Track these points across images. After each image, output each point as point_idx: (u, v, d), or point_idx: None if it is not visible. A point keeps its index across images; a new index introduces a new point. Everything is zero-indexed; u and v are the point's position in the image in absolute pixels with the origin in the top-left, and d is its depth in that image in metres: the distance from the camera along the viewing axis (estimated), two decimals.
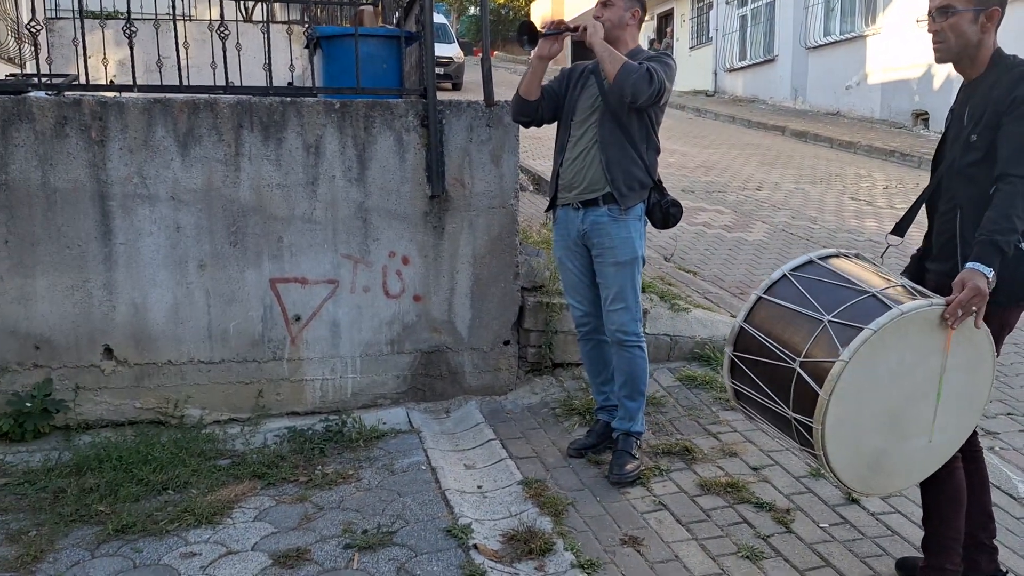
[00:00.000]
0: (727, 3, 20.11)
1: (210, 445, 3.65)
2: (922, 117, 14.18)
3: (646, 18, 21.01)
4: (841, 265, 2.51)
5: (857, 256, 2.62)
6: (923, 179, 11.08)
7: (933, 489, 2.51)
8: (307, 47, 4.36)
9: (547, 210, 3.58)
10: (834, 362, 2.22)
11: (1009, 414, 4.06)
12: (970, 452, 2.56)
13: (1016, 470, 3.52)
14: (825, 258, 2.55)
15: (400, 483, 3.34)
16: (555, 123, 3.47)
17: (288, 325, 3.95)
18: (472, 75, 20.87)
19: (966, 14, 2.41)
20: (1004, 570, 2.64)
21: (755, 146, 13.39)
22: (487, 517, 3.09)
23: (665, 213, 3.33)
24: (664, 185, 3.39)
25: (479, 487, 3.34)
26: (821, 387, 2.23)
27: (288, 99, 3.85)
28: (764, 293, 2.53)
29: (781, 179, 10.41)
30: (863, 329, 2.21)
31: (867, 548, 2.91)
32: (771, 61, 18.37)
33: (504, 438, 3.72)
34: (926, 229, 2.69)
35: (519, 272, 4.17)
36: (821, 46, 16.62)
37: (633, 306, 3.32)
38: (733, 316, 4.96)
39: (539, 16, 33.23)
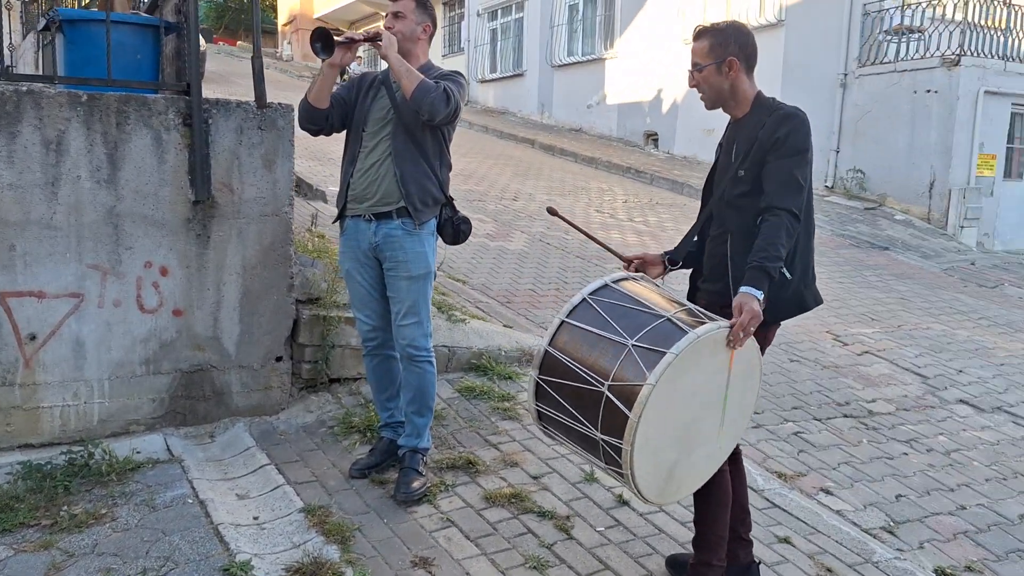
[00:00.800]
0: (478, 15, 20.70)
1: None
2: (652, 137, 15.55)
3: None
4: (633, 288, 2.64)
5: (643, 278, 2.77)
6: (655, 194, 12.16)
7: (704, 492, 2.72)
8: (42, 30, 3.82)
9: (335, 220, 3.44)
10: (642, 385, 2.32)
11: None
12: (733, 453, 2.81)
13: (754, 464, 3.93)
14: (617, 281, 2.67)
15: (164, 520, 3.03)
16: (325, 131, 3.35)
17: (21, 345, 3.44)
18: (215, 64, 19.68)
19: (711, 67, 2.69)
20: (757, 560, 2.93)
21: (508, 157, 13.90)
22: (267, 551, 2.88)
23: (456, 229, 3.33)
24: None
25: (255, 518, 3.12)
26: (631, 410, 2.32)
27: (24, 87, 3.35)
28: (566, 317, 2.60)
29: (535, 190, 10.90)
30: (666, 353, 2.33)
31: (640, 548, 3.10)
32: (520, 76, 19.19)
33: (279, 462, 3.50)
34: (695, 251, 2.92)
35: (294, 284, 3.96)
36: (565, 65, 17.65)
37: (425, 321, 3.28)
38: (507, 326, 5.10)
39: (287, 9, 32.09)
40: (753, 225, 2.59)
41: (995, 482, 4.12)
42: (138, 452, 3.54)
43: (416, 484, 3.26)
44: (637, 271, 2.87)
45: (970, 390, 5.33)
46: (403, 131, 3.19)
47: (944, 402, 5.10)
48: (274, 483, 3.34)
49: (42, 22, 3.78)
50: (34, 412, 3.52)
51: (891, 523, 3.62)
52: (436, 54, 23.54)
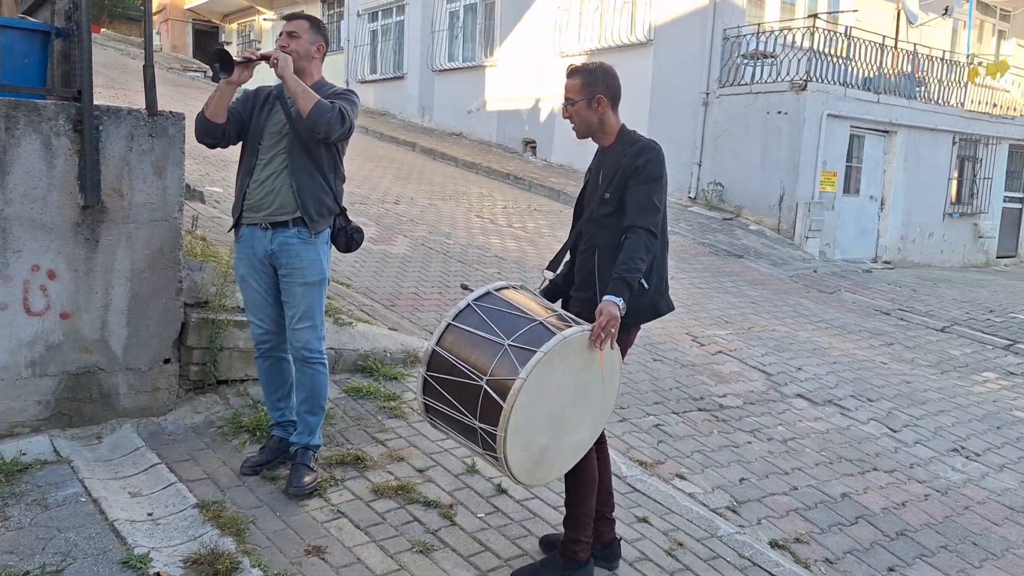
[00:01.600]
0: (358, 16, 20.66)
1: None
2: (531, 145, 16.05)
3: (274, 18, 20.60)
4: (512, 296, 2.96)
5: (522, 287, 3.09)
6: (533, 200, 12.64)
7: (573, 476, 3.07)
8: None
9: (230, 229, 3.58)
10: (514, 379, 2.64)
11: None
12: (599, 441, 3.17)
13: (619, 454, 4.34)
14: (499, 289, 2.98)
15: (58, 518, 3.11)
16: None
17: None
18: None
19: (582, 103, 3.06)
20: (619, 537, 3.31)
21: (389, 160, 14.03)
22: (164, 544, 3.02)
23: (349, 239, 3.55)
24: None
25: (150, 515, 3.23)
26: (504, 400, 2.63)
27: None
28: (453, 320, 2.88)
29: (416, 194, 11.12)
30: (536, 352, 2.66)
31: (516, 531, 3.42)
32: (401, 78, 19.31)
33: (170, 461, 3.62)
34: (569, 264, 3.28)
35: (182, 287, 4.06)
36: (446, 70, 17.91)
37: (319, 325, 3.48)
38: (392, 329, 5.33)
39: (157, 0, 30.78)
40: (618, 241, 2.97)
41: (823, 466, 4.70)
42: (24, 454, 3.56)
43: (308, 479, 3.46)
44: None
45: (807, 385, 5.98)
46: (299, 145, 3.38)
47: (784, 396, 5.71)
48: (166, 481, 3.46)
49: None
50: None
51: (735, 503, 4.10)
52: None
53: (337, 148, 3.49)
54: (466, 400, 2.79)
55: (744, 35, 12.23)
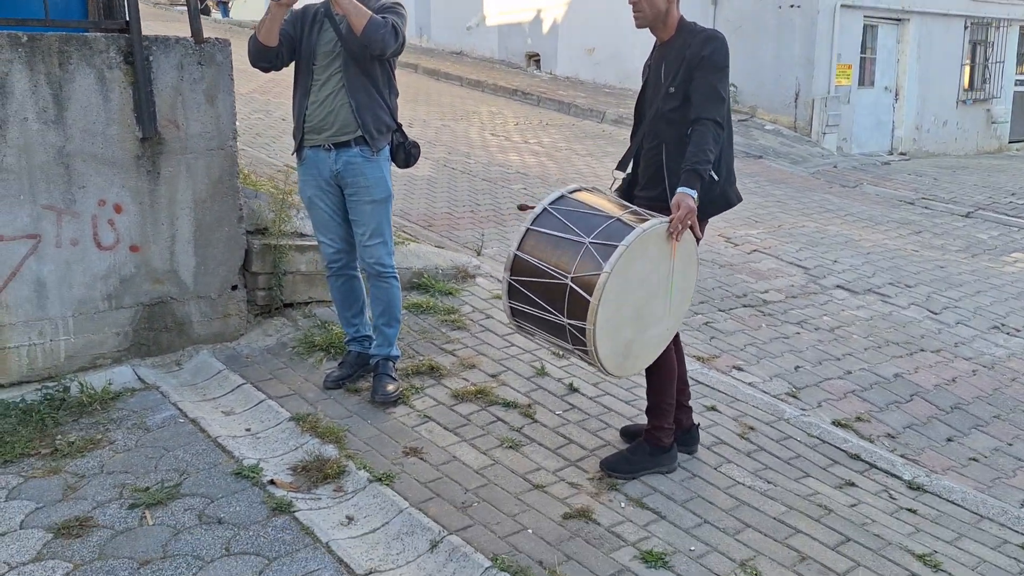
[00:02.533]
0: None
1: None
2: (534, 58, 15.80)
3: None
4: (585, 197, 3.01)
5: (594, 188, 3.14)
6: (544, 115, 12.53)
7: (654, 367, 3.17)
8: None
9: (294, 152, 3.61)
10: (599, 274, 2.71)
11: None
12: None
13: None
14: (572, 192, 3.03)
15: (162, 439, 3.25)
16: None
17: None
18: None
19: None
20: (697, 423, 3.45)
21: None
22: (270, 455, 3.17)
23: (407, 153, 3.59)
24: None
25: (248, 430, 3.37)
26: (591, 295, 2.72)
27: None
28: (531, 225, 2.94)
29: (427, 116, 11.02)
30: (618, 246, 2.73)
31: (595, 424, 3.56)
32: None
33: (254, 381, 3.74)
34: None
35: (243, 215, 4.12)
36: None
37: (389, 240, 3.56)
38: (439, 247, 5.40)
39: None
40: (684, 135, 2.99)
41: (872, 350, 4.83)
42: (111, 383, 3.68)
43: (391, 387, 3.59)
44: None
45: (845, 276, 6.07)
46: (353, 63, 3.38)
47: (824, 288, 5.81)
48: (256, 399, 3.59)
49: None
50: (1, 353, 3.59)
51: (793, 389, 4.24)
52: None
53: (390, 63, 3.50)
54: (553, 299, 2.87)
55: None
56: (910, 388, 4.39)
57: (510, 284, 2.99)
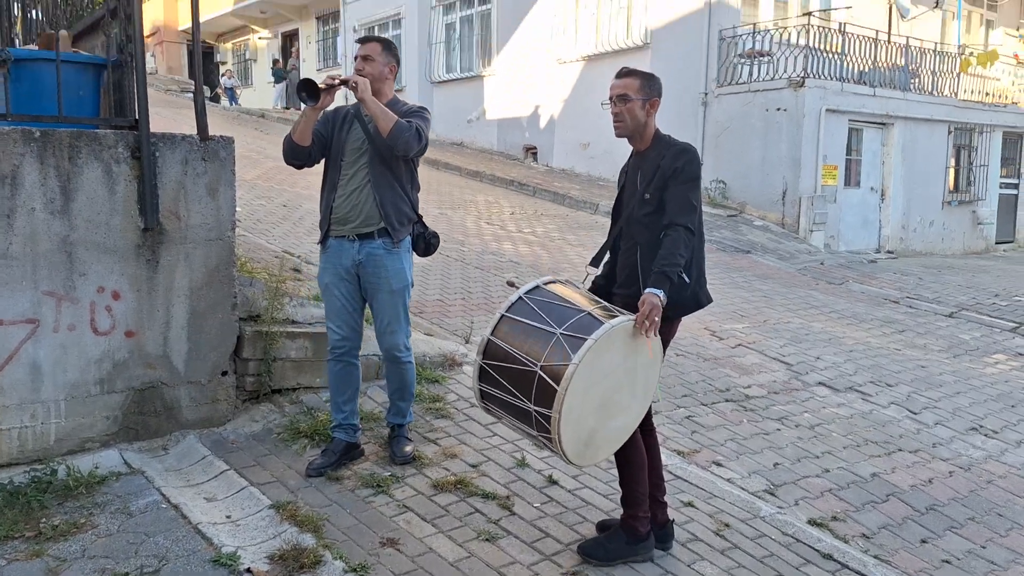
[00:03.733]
0: (354, 31, 20.88)
1: None
2: (532, 151, 16.28)
3: (270, 37, 21.02)
4: (559, 289, 3.17)
5: (568, 281, 3.29)
6: (539, 205, 12.85)
7: (624, 457, 3.26)
8: None
9: (320, 241, 3.83)
10: (567, 365, 2.84)
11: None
12: (648, 428, 3.37)
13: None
14: (547, 283, 3.19)
15: (144, 524, 3.29)
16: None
17: None
18: None
19: (637, 101, 3.24)
20: (672, 519, 3.50)
21: None
22: (248, 543, 3.21)
23: (427, 243, 3.82)
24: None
25: (228, 517, 3.42)
26: (559, 384, 2.84)
27: None
28: (506, 311, 3.09)
29: (426, 204, 11.27)
30: (587, 339, 2.87)
31: (572, 518, 3.61)
32: (399, 91, 19.49)
33: (238, 467, 3.80)
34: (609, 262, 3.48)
35: (237, 302, 4.25)
36: (444, 81, 18.14)
37: (405, 326, 3.80)
38: (428, 335, 5.52)
39: (150, 20, 31.01)
40: (658, 239, 3.17)
41: (851, 449, 4.90)
42: (98, 467, 3.74)
43: (408, 448, 3.87)
44: None
45: (826, 373, 6.18)
46: (379, 160, 3.65)
47: (806, 385, 5.91)
48: (238, 485, 3.64)
49: None
50: None
51: (771, 486, 4.30)
52: (311, 68, 23.54)
53: (413, 161, 3.75)
54: (521, 385, 2.99)
55: (740, 35, 12.47)
56: (887, 488, 4.44)
57: (481, 367, 3.11)
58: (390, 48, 3.76)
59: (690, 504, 3.86)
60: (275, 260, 5.98)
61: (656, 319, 3.01)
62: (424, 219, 3.90)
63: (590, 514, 3.66)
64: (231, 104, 23.07)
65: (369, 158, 3.67)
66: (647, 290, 3.06)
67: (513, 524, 3.50)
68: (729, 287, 8.71)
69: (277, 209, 9.44)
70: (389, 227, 3.67)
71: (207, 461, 3.87)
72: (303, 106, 3.58)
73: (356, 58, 3.73)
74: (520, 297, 3.13)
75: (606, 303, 3.19)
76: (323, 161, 3.80)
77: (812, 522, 3.96)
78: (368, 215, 3.67)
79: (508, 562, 3.22)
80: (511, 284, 3.37)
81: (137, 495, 3.53)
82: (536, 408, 2.95)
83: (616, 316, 3.03)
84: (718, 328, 7.05)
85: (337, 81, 3.59)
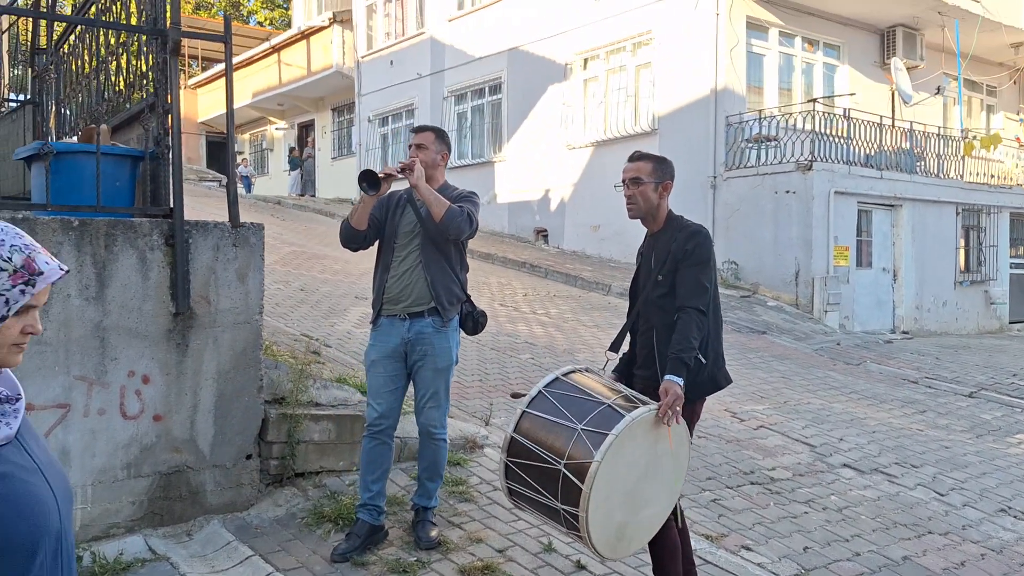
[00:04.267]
0: (369, 121, 21.49)
1: None
2: (543, 233, 16.50)
3: (286, 127, 21.65)
4: (579, 379, 3.18)
5: (587, 370, 3.31)
6: (551, 287, 12.95)
7: (658, 545, 3.23)
8: (29, 158, 4.11)
9: (372, 321, 3.93)
10: (590, 462, 2.84)
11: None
12: (680, 516, 3.34)
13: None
14: (567, 374, 3.20)
15: None
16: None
17: None
18: None
19: (650, 184, 3.34)
20: None
21: None
22: None
23: (475, 322, 3.92)
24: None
25: None
26: (583, 483, 2.83)
27: (20, 215, 3.64)
28: (527, 407, 3.10)
29: None
30: (608, 435, 2.87)
31: None
32: None
33: (263, 553, 3.77)
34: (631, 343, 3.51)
35: (263, 385, 4.29)
36: (456, 167, 18.51)
37: (445, 405, 3.86)
38: (449, 417, 5.51)
39: None
40: (672, 321, 3.21)
41: (880, 531, 4.81)
42: (122, 553, 3.72)
43: (434, 533, 3.86)
44: None
45: (851, 455, 6.11)
46: (430, 242, 3.78)
47: (831, 467, 5.84)
48: (264, 571, 3.60)
49: (29, 150, 4.07)
50: None
51: (803, 570, 4.21)
52: (326, 157, 24.13)
53: (463, 243, 3.86)
54: (547, 483, 2.97)
55: (746, 120, 12.78)
56: (919, 572, 4.34)
57: (507, 465, 3.10)
58: (442, 136, 3.94)
59: None
60: (295, 343, 6.04)
61: (679, 408, 3.03)
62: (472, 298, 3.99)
63: None
64: (247, 192, 23.58)
65: (421, 240, 3.79)
66: (666, 377, 3.07)
67: None
68: (747, 368, 8.69)
69: (295, 293, 9.55)
70: (439, 306, 3.77)
71: (232, 547, 3.84)
72: (360, 193, 3.74)
73: (410, 146, 3.90)
74: (540, 391, 3.14)
75: (627, 391, 3.19)
76: (376, 243, 3.94)
77: None
78: (419, 295, 3.77)
79: None
80: (516, 396, 3.40)
81: None
82: (564, 507, 2.93)
83: (637, 406, 3.03)
84: (739, 409, 7.01)
85: (396, 170, 3.73)
